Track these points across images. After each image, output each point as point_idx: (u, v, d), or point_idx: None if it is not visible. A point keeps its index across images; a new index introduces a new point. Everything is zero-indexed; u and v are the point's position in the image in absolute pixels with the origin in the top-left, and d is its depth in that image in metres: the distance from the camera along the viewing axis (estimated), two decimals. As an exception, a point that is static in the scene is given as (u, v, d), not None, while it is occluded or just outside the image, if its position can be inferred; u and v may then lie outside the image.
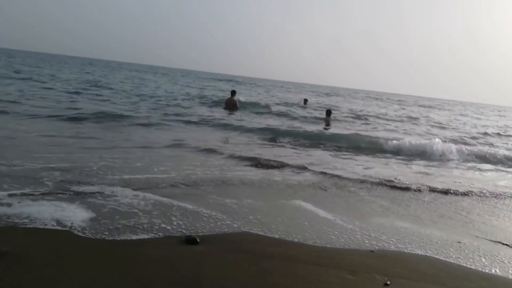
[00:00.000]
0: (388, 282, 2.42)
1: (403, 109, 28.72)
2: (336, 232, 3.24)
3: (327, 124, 12.75)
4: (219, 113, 12.34)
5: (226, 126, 9.59)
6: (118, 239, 2.70)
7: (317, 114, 15.28)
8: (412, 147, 7.94)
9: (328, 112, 13.86)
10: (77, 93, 14.38)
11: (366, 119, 16.03)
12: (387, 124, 14.85)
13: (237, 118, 11.63)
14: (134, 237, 2.76)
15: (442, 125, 17.01)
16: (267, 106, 15.91)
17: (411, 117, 19.46)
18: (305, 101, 18.80)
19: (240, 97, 15.14)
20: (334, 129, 11.49)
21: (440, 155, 7.67)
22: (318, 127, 11.16)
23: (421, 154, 7.77)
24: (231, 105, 13.58)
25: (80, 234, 2.72)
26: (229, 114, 12.73)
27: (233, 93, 14.02)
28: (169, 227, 2.98)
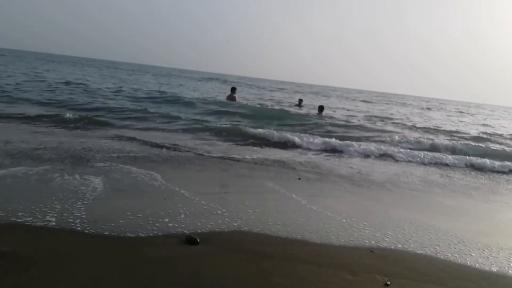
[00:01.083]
0: (388, 282, 2.43)
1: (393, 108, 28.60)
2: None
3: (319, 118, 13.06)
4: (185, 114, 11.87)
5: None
6: (118, 238, 2.70)
7: (310, 112, 15.12)
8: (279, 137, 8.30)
9: (321, 108, 14.26)
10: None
11: (352, 117, 15.89)
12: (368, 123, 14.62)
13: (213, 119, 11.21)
14: (134, 236, 2.77)
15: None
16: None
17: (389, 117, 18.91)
18: (300, 101, 18.49)
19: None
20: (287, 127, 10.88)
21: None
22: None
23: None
24: (230, 100, 14.63)
25: (80, 231, 2.72)
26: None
27: (233, 90, 15.29)
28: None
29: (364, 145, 8.24)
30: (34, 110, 8.87)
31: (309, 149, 7.74)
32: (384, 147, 8.33)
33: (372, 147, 8.20)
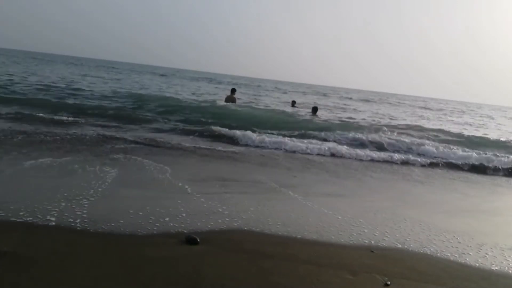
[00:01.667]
0: (388, 282, 2.43)
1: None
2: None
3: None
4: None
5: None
6: (118, 238, 2.70)
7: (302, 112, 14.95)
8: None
9: (315, 109, 14.11)
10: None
11: (345, 118, 15.26)
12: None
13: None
14: (135, 236, 2.77)
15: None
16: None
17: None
18: (293, 102, 17.72)
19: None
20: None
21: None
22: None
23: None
24: (229, 101, 14.44)
25: (80, 231, 2.72)
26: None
27: (233, 91, 15.01)
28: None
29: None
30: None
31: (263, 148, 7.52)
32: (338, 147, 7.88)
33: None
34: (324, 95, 39.30)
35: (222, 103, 14.23)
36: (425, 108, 35.00)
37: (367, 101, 35.83)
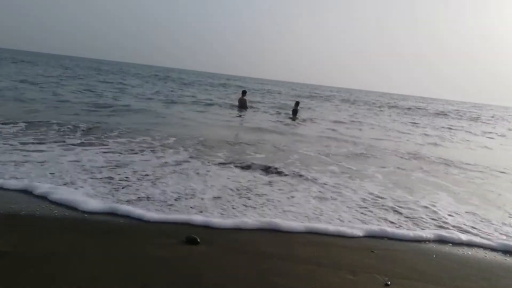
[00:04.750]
0: (388, 282, 2.43)
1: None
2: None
3: (292, 119, 13.61)
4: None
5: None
6: (118, 238, 2.71)
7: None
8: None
9: (294, 112, 14.31)
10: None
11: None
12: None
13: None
14: (135, 236, 2.77)
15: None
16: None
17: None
18: (297, 103, 16.56)
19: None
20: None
21: None
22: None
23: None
24: (241, 103, 14.89)
25: (80, 231, 2.72)
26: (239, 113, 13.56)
27: (244, 93, 15.27)
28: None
29: None
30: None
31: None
32: None
33: None
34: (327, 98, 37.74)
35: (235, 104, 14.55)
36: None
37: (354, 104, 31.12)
